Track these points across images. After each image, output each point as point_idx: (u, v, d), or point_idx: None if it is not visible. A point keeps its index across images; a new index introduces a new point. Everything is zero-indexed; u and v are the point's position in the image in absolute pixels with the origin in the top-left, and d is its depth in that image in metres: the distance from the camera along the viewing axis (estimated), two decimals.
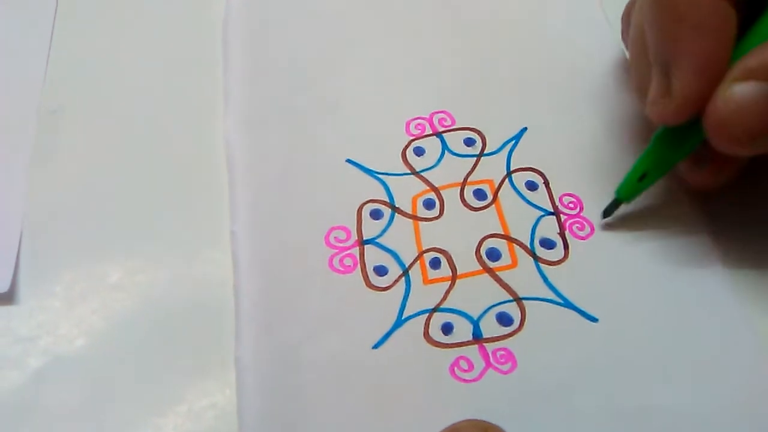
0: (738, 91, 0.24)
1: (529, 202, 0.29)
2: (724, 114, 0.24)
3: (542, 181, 0.29)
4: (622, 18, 0.30)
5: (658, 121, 0.26)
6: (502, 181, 0.29)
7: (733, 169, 0.27)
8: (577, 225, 0.28)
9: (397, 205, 0.29)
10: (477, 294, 0.27)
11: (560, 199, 0.29)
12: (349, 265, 0.27)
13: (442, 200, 0.29)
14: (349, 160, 0.30)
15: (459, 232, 0.28)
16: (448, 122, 0.31)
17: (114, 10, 0.36)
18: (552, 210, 0.29)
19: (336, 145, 0.30)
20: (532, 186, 0.29)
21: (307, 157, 0.30)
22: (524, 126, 0.31)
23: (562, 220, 0.28)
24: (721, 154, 0.26)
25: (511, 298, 0.27)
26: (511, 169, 0.30)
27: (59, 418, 0.25)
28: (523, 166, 0.30)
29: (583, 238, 0.28)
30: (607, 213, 0.28)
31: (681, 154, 0.27)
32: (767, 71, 0.24)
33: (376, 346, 0.26)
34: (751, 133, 0.24)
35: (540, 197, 0.29)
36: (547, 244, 0.28)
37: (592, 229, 0.28)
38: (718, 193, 0.28)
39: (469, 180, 0.30)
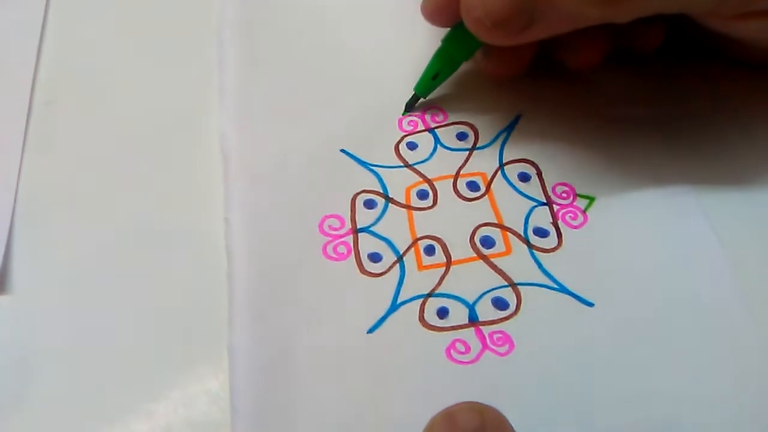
0: None
1: (521, 193, 0.29)
2: (468, 9, 0.26)
3: (535, 172, 0.29)
4: None
5: (424, 17, 0.29)
6: (495, 174, 0.29)
7: (520, 57, 0.30)
8: (570, 214, 0.28)
9: (390, 196, 0.29)
10: (472, 279, 0.27)
11: (553, 189, 0.29)
12: (343, 253, 0.27)
13: (436, 191, 0.29)
14: (343, 150, 0.30)
15: (452, 220, 0.28)
16: (441, 117, 0.31)
17: (108, 0, 0.36)
18: (545, 201, 0.29)
19: (330, 136, 0.30)
20: (524, 177, 0.29)
21: (301, 146, 0.30)
22: (517, 114, 0.31)
23: (555, 210, 0.28)
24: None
25: (506, 283, 0.27)
26: (504, 161, 0.30)
27: (51, 405, 0.25)
28: (516, 158, 0.30)
29: (576, 227, 0.28)
30: (408, 107, 0.31)
31: (466, 53, 0.30)
32: None
33: (370, 331, 0.26)
34: (492, 17, 0.26)
35: (533, 188, 0.29)
36: (541, 233, 0.28)
37: (585, 218, 0.28)
38: (712, 172, 0.29)
39: (461, 172, 0.30)
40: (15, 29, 0.35)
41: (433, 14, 0.29)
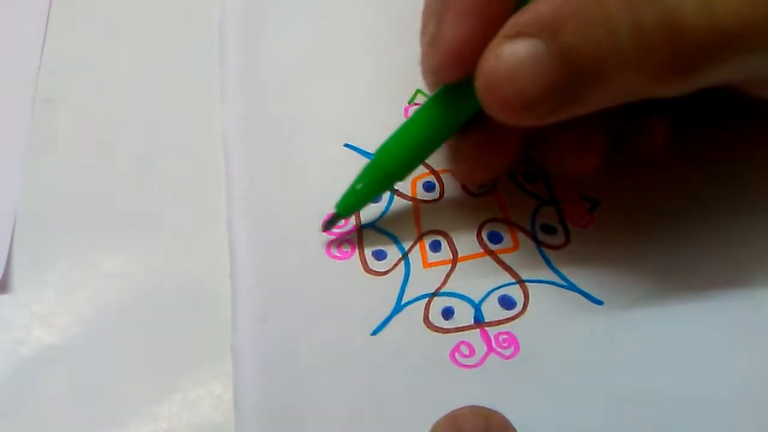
0: (508, 49, 0.21)
1: (528, 191, 0.28)
2: (493, 72, 0.22)
3: (540, 174, 0.29)
4: None
5: (426, 73, 0.25)
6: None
7: (497, 162, 0.26)
8: (576, 215, 0.28)
9: (396, 187, 0.28)
10: (478, 277, 0.26)
11: (559, 190, 0.28)
12: (347, 251, 0.27)
13: (442, 183, 0.28)
14: (347, 145, 0.29)
15: (459, 214, 0.28)
16: None
17: None
18: (551, 199, 0.28)
19: (334, 130, 0.30)
20: (530, 178, 0.29)
21: (304, 143, 0.30)
22: None
23: (561, 209, 0.28)
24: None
25: (514, 280, 0.26)
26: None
27: (53, 407, 0.25)
28: (522, 159, 0.29)
29: (584, 227, 0.27)
30: (327, 226, 0.27)
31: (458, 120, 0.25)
32: (539, 27, 0.21)
33: (374, 333, 0.25)
34: (524, 98, 0.21)
35: (538, 187, 0.28)
36: (548, 230, 0.27)
37: (591, 219, 0.27)
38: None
39: None
40: (18, 29, 0.34)
41: (443, 66, 0.23)
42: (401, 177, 0.26)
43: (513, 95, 0.21)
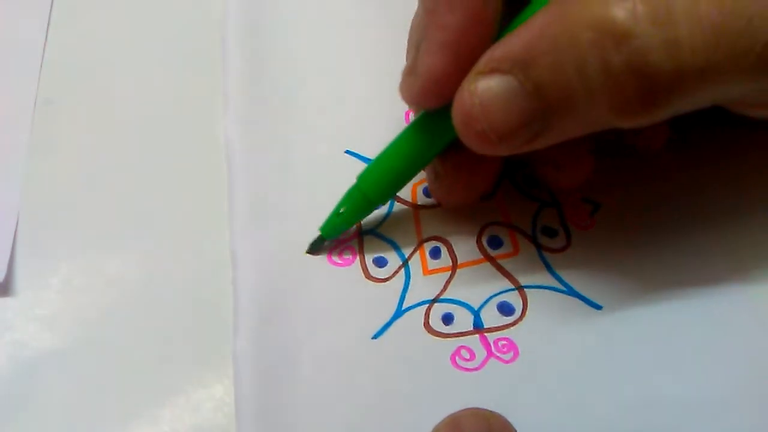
0: (482, 84, 0.22)
1: (528, 194, 0.28)
2: (468, 107, 0.22)
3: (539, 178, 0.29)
4: None
5: (405, 99, 0.25)
6: (502, 178, 0.29)
7: (478, 183, 0.26)
8: (578, 217, 0.28)
9: (396, 193, 0.28)
10: (478, 283, 0.26)
11: (560, 192, 0.28)
12: (348, 258, 0.27)
13: None
14: (348, 152, 0.29)
15: (460, 220, 0.28)
16: None
17: (112, 1, 0.35)
18: (552, 201, 0.28)
19: (335, 136, 0.30)
20: (531, 181, 0.29)
21: (306, 149, 0.30)
22: None
23: (563, 210, 0.28)
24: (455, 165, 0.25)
25: (513, 286, 0.26)
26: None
27: (55, 410, 0.25)
28: (521, 164, 0.29)
29: (585, 228, 0.28)
30: (312, 248, 0.27)
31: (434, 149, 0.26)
32: (511, 63, 0.21)
33: (375, 337, 0.25)
34: (498, 131, 0.22)
35: (539, 190, 0.28)
36: (550, 232, 0.27)
37: (593, 221, 0.28)
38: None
39: None
40: (19, 29, 0.34)
41: (420, 95, 0.24)
42: (383, 201, 0.27)
43: (488, 129, 0.22)
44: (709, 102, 0.21)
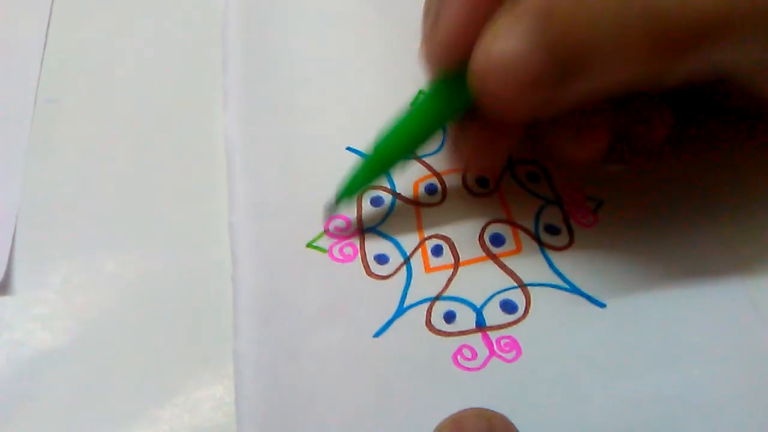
0: (501, 35, 0.21)
1: (531, 191, 0.28)
2: (487, 61, 0.22)
3: (543, 174, 0.29)
4: None
5: (425, 63, 0.25)
6: (504, 172, 0.29)
7: (497, 150, 0.26)
8: (581, 213, 0.28)
9: (398, 191, 0.28)
10: (480, 281, 0.26)
11: (563, 189, 0.28)
12: (350, 254, 0.27)
13: (444, 185, 0.28)
14: (349, 148, 0.29)
15: (462, 217, 0.28)
16: None
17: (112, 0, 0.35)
18: (555, 199, 0.28)
19: (336, 134, 0.30)
20: (533, 177, 0.29)
21: (307, 146, 0.30)
22: None
23: (566, 208, 0.28)
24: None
25: (516, 284, 0.26)
26: (512, 159, 0.29)
27: (54, 410, 0.25)
28: (524, 159, 0.29)
29: (587, 226, 0.27)
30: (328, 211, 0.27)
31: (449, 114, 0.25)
32: (531, 14, 0.21)
33: (377, 335, 0.25)
34: (515, 89, 0.22)
35: (542, 187, 0.28)
36: (552, 230, 0.27)
37: (596, 218, 0.27)
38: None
39: None
40: (19, 29, 0.34)
41: (441, 55, 0.24)
42: (399, 159, 0.27)
43: (504, 87, 0.22)
44: (725, 63, 0.21)
